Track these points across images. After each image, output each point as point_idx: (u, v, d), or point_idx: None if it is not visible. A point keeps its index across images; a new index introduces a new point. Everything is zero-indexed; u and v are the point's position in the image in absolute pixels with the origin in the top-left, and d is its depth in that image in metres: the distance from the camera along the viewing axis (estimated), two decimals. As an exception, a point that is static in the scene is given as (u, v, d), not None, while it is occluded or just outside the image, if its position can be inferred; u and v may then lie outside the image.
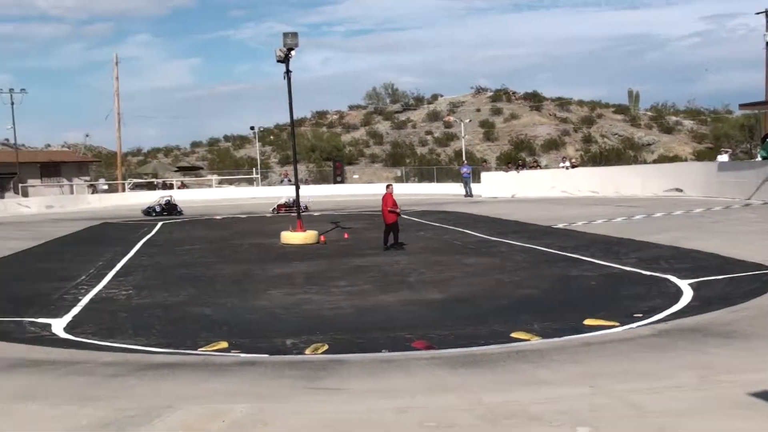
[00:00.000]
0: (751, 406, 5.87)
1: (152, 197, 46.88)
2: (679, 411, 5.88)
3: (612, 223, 22.28)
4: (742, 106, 31.53)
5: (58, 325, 10.98)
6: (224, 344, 9.54)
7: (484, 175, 43.49)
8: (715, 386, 6.60)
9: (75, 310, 12.14)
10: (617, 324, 9.98)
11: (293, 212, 34.88)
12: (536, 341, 9.41)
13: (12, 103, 49.14)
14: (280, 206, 35.92)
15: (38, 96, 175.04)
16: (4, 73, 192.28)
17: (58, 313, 11.82)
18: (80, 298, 13.29)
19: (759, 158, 27.31)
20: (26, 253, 20.55)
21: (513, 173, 41.11)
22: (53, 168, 54.22)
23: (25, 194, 45.61)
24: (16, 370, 8.37)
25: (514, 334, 9.70)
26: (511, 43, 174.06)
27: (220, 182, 58.44)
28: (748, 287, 10.74)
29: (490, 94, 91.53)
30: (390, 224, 19.11)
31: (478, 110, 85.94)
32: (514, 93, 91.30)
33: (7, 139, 62.38)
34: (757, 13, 41.08)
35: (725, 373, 7.06)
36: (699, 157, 59.43)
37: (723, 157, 32.34)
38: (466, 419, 6.04)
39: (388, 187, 19.96)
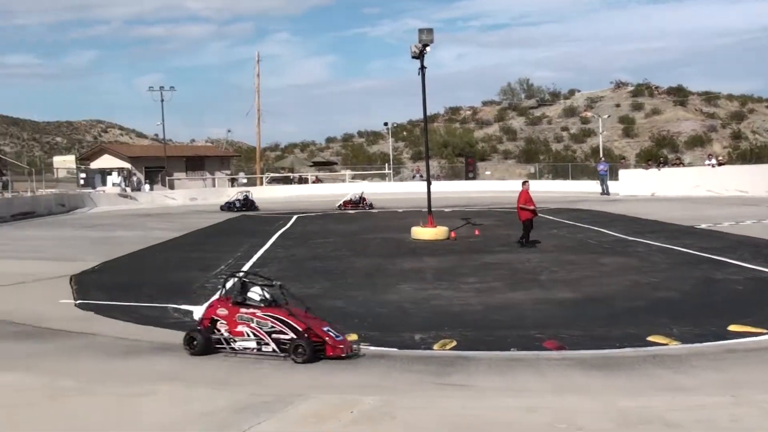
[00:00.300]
0: None
1: (288, 191, 48.47)
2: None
3: (763, 224, 20.96)
4: None
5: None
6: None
7: (622, 172, 42.04)
8: None
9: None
10: (765, 332, 9.36)
11: (359, 209, 35.35)
12: (675, 346, 8.98)
13: (162, 101, 52.11)
14: (345, 203, 36.61)
15: (185, 93, 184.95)
16: (155, 72, 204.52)
17: (199, 301, 12.37)
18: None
19: None
20: (171, 243, 21.72)
21: (653, 171, 39.48)
22: (197, 162, 56.98)
23: (172, 187, 48.22)
24: (160, 353, 8.86)
25: (650, 338, 9.29)
26: (653, 35, 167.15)
27: (353, 177, 59.41)
28: None
29: (630, 88, 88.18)
30: (522, 221, 18.83)
31: (618, 105, 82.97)
32: (656, 87, 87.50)
33: (156, 135, 66.23)
34: None
35: None
36: None
37: None
38: (598, 422, 5.85)
39: (524, 183, 19.69)
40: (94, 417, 6.22)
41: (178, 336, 9.83)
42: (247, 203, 35.49)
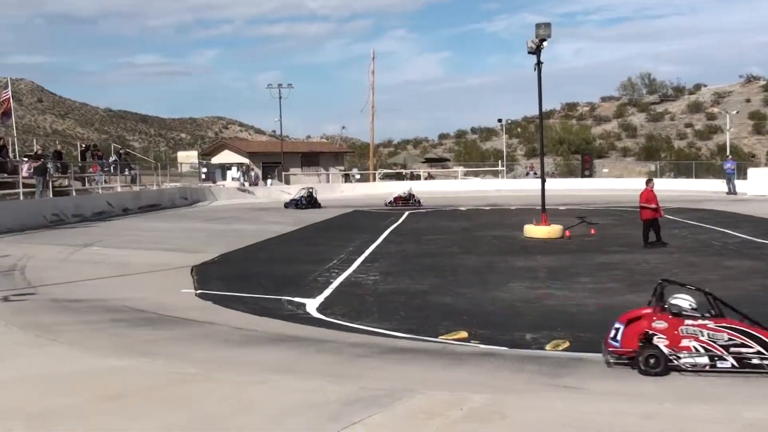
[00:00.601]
0: None
1: (399, 187, 48.76)
2: None
3: None
4: None
5: (311, 305, 11.77)
6: (464, 334, 9.63)
7: (751, 171, 39.92)
8: None
9: (327, 292, 12.94)
10: None
11: (409, 205, 34.94)
12: (809, 356, 8.41)
13: (280, 98, 53.55)
14: (396, 198, 36.67)
15: (303, 90, 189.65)
16: (274, 70, 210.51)
17: (312, 294, 12.67)
18: (332, 280, 14.14)
19: None
20: (286, 237, 22.29)
21: (785, 169, 37.26)
22: (313, 158, 58.21)
23: (287, 182, 49.39)
24: (274, 344, 9.09)
25: (778, 346, 8.73)
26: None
27: (466, 174, 59.12)
28: None
29: (762, 83, 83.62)
30: (643, 221, 18.20)
31: (748, 101, 78.93)
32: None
33: (274, 131, 68.15)
34: None
35: None
36: None
37: None
38: (720, 433, 5.57)
39: (647, 182, 19.04)
40: (210, 403, 6.44)
41: (292, 327, 10.11)
42: (311, 200, 35.71)
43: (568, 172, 57.58)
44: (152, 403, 6.43)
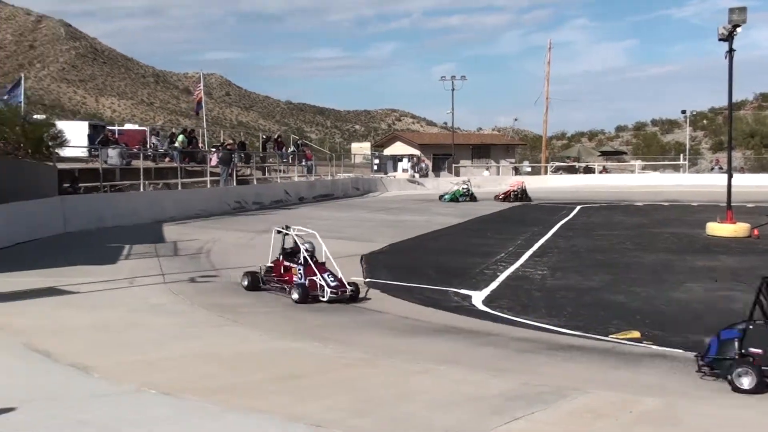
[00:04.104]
0: None
1: (573, 181, 47.47)
2: None
3: None
4: None
5: (477, 297, 11.76)
6: (636, 334, 9.26)
7: None
8: None
9: (493, 285, 12.87)
10: None
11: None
12: None
13: (452, 90, 53.72)
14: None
15: (476, 82, 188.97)
16: (449, 61, 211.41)
17: (478, 286, 12.65)
18: (498, 273, 14.04)
19: None
20: (453, 229, 22.36)
21: None
22: (483, 150, 57.91)
23: (457, 174, 49.49)
24: (439, 335, 9.20)
25: None
26: None
27: (643, 168, 56.53)
28: None
29: None
30: None
31: None
32: None
33: (445, 123, 68.51)
34: None
35: None
36: None
37: None
38: None
39: None
40: (374, 387, 6.63)
41: (457, 319, 10.17)
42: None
43: (760, 168, 53.44)
44: (321, 384, 6.72)
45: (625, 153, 73.34)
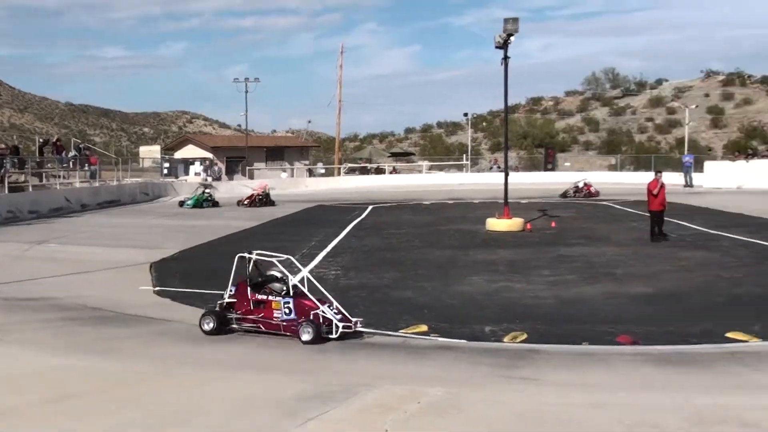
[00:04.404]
0: None
1: (365, 182, 48.71)
2: None
3: None
4: None
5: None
6: (424, 327, 9.66)
7: (707, 164, 40.66)
8: None
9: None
10: None
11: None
12: (755, 343, 8.65)
13: (246, 92, 53.07)
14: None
15: (270, 84, 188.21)
16: (242, 63, 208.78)
17: (273, 289, 12.59)
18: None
19: None
20: (247, 233, 22.08)
21: (741, 163, 38.02)
22: (277, 152, 57.85)
23: (251, 177, 49.02)
24: (234, 340, 9.04)
25: (729, 334, 8.96)
26: (751, 22, 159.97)
27: (430, 168, 59.30)
28: None
29: (721, 78, 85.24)
30: (649, 212, 18.48)
31: (707, 95, 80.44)
32: (749, 77, 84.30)
33: (239, 125, 67.56)
34: None
35: None
36: None
37: None
38: (670, 420, 5.69)
39: (656, 173, 19.13)
40: (168, 400, 6.41)
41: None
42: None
43: (532, 166, 58.02)
44: (105, 401, 6.36)
45: (413, 154, 76.50)
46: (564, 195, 35.01)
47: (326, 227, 22.75)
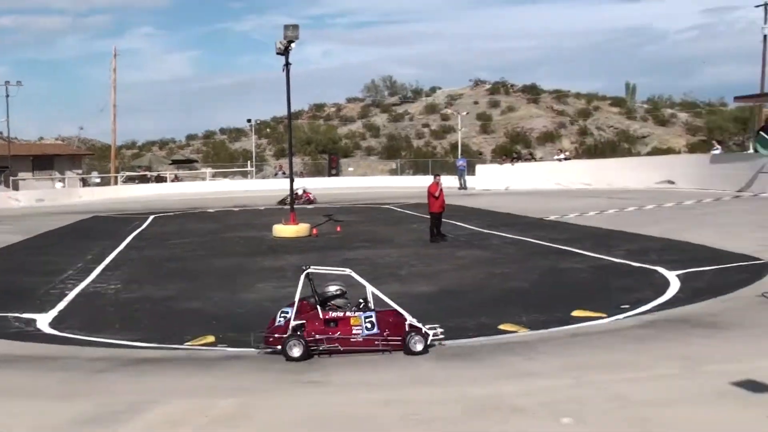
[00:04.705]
0: (731, 394, 5.87)
1: (145, 191, 46.77)
2: (661, 401, 5.88)
3: (604, 215, 22.27)
4: (737, 98, 31.62)
5: (43, 321, 10.90)
6: (211, 339, 9.49)
7: (478, 167, 43.50)
8: (697, 376, 6.60)
9: (61, 305, 12.06)
10: (604, 315, 9.98)
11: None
12: (524, 333, 9.40)
13: (7, 96, 48.96)
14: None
15: (35, 88, 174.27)
16: (2, 65, 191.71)
17: (43, 308, 11.73)
18: (67, 292, 13.19)
19: (752, 151, 27.29)
20: (14, 248, 20.40)
21: (508, 166, 41.10)
22: (46, 161, 54.01)
23: (16, 187, 45.30)
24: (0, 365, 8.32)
25: (502, 326, 9.68)
26: (512, 35, 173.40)
27: (214, 175, 58.15)
28: (736, 278, 10.77)
29: (488, 86, 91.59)
30: (430, 214, 19.22)
31: (476, 103, 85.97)
32: (512, 86, 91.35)
33: (0, 132, 62.03)
34: (757, 6, 40.94)
35: (708, 363, 7.06)
36: (693, 149, 59.56)
37: (716, 150, 32.37)
38: (450, 412, 6.02)
39: (435, 177, 20.02)
40: None
41: (20, 347, 9.32)
42: None
43: (317, 172, 58.84)
44: None
45: (196, 161, 74.62)
46: (282, 202, 34.92)
47: (103, 239, 21.57)
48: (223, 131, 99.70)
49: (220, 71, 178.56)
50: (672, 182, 29.55)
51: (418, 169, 55.29)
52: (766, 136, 25.15)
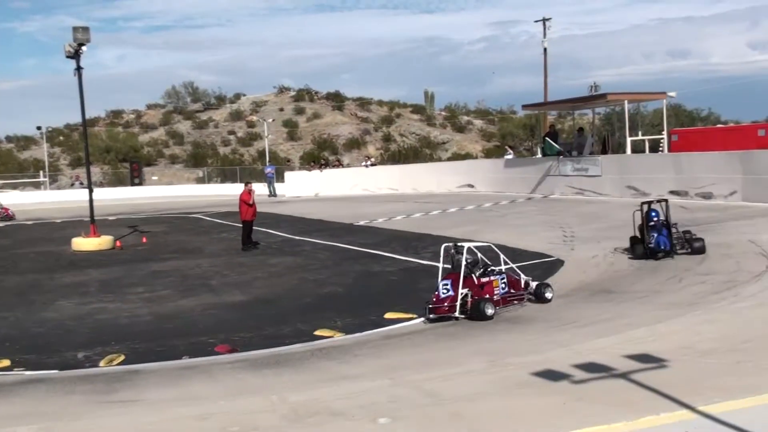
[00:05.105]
0: (532, 384, 6.33)
1: None
2: (470, 395, 6.21)
3: (410, 219, 23.08)
4: (525, 107, 33.66)
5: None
6: (6, 362, 8.81)
7: (287, 174, 43.53)
8: (502, 369, 7.04)
9: None
10: (415, 316, 10.37)
11: None
12: (339, 338, 9.56)
13: None
14: None
15: None
16: None
17: None
18: None
19: (540, 155, 29.41)
20: None
21: (316, 172, 41.48)
22: None
23: None
24: None
25: (318, 332, 9.79)
26: (314, 43, 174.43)
27: (2, 187, 53.77)
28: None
29: (293, 93, 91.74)
30: (242, 222, 19.07)
31: (282, 110, 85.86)
32: (316, 93, 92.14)
33: None
34: (536, 21, 44.53)
35: (511, 356, 7.55)
36: (488, 154, 63.24)
37: (508, 155, 34.59)
38: (269, 420, 6.00)
39: (246, 184, 19.98)
40: None
41: None
42: None
43: (118, 181, 56.19)
44: None
45: (-20, 172, 68.62)
46: None
47: None
48: (9, 139, 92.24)
49: (4, 75, 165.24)
50: (472, 186, 31.21)
51: (226, 178, 54.48)
52: (551, 141, 27.20)
